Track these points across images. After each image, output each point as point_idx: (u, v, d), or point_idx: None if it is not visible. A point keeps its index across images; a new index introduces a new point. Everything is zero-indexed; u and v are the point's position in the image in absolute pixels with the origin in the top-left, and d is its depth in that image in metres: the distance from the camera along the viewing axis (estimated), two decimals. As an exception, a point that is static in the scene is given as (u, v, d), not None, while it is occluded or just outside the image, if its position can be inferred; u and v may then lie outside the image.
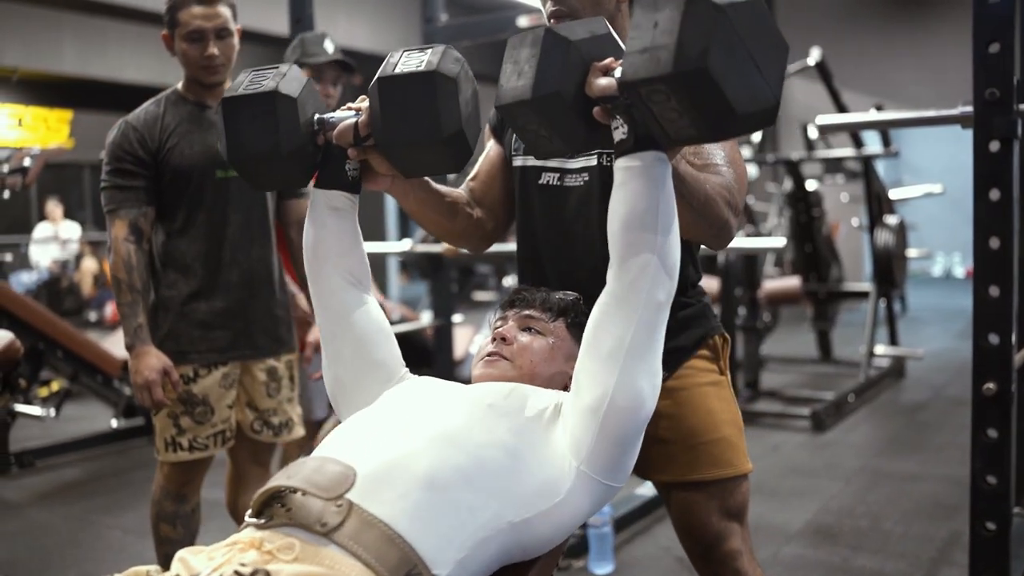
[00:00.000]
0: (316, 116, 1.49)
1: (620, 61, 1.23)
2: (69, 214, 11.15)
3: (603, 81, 1.24)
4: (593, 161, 1.63)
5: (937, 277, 14.99)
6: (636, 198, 1.26)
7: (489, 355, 1.50)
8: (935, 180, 8.12)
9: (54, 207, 10.36)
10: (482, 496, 1.20)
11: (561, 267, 1.67)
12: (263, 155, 1.45)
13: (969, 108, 2.18)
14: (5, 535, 3.51)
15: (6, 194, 6.47)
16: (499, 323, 1.57)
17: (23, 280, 9.31)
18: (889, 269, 6.02)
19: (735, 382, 3.66)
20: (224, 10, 2.37)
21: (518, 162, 1.74)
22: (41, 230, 10.26)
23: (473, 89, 1.46)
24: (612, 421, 1.27)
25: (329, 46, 3.09)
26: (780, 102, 1.15)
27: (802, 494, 3.82)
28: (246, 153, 1.46)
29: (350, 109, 1.48)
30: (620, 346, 1.27)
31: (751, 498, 1.71)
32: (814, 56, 5.94)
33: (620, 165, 1.28)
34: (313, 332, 2.67)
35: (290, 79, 1.46)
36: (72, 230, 10.45)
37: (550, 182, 1.68)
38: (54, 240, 10.10)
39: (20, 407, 4.59)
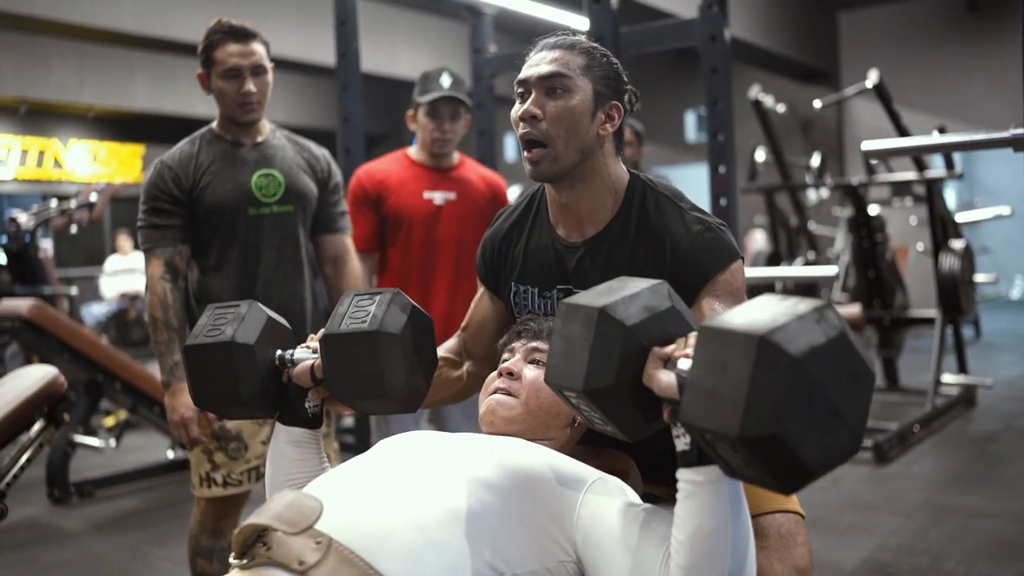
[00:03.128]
0: (278, 354, 1.52)
1: (684, 348, 1.13)
2: (138, 246, 11.44)
3: (664, 379, 1.13)
4: None
5: (1015, 301, 14.50)
6: (704, 516, 1.13)
7: (496, 390, 1.48)
8: (1009, 201, 7.88)
9: (124, 240, 10.64)
10: (473, 543, 1.17)
11: None
12: (224, 400, 1.50)
13: (1021, 130, 2.10)
14: (60, 564, 3.57)
15: (74, 228, 6.69)
16: (506, 356, 1.55)
17: (94, 312, 9.56)
18: (955, 295, 5.82)
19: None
20: (259, 48, 2.40)
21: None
22: (112, 263, 10.54)
23: (422, 328, 1.47)
24: None
25: (446, 81, 3.02)
26: (863, 439, 1.04)
27: (860, 530, 3.69)
28: (209, 398, 1.51)
29: (307, 348, 1.51)
30: None
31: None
32: (872, 78, 5.82)
33: (683, 476, 1.16)
34: None
35: (248, 323, 1.49)
36: (140, 261, 10.72)
37: None
38: (124, 272, 10.36)
39: (81, 438, 4.69)
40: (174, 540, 3.83)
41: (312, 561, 1.09)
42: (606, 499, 1.26)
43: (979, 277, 6.44)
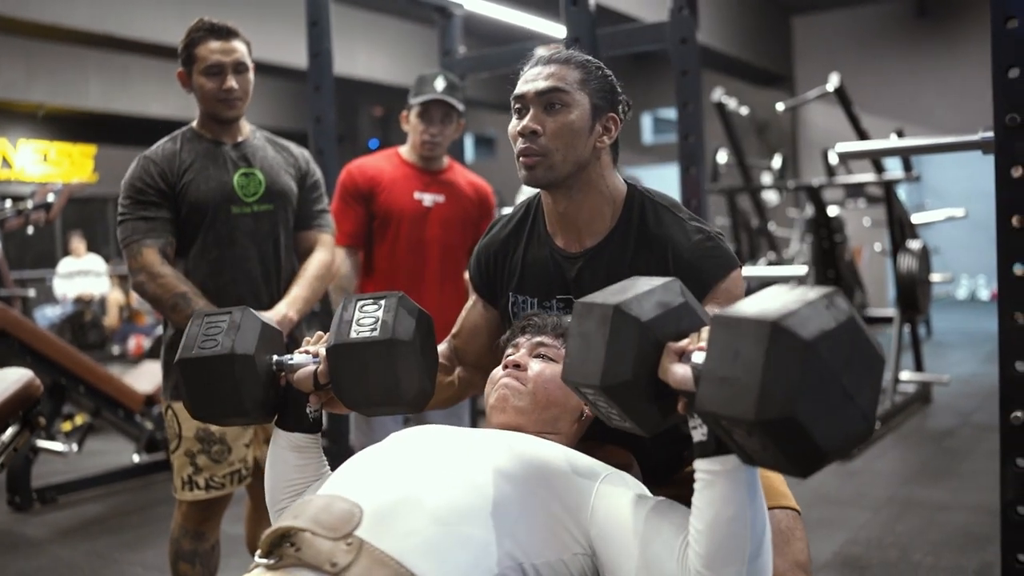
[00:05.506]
0: (275, 359, 1.49)
1: (698, 342, 1.15)
2: (93, 248, 11.26)
3: (679, 371, 1.14)
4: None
5: (962, 300, 14.82)
6: (722, 504, 1.14)
7: (503, 383, 1.49)
8: (957, 203, 8.05)
9: (78, 242, 10.46)
10: (494, 535, 1.18)
11: None
12: (227, 413, 1.47)
13: (990, 134, 2.15)
14: (28, 573, 3.51)
15: (30, 229, 6.56)
16: (511, 350, 1.55)
17: (47, 314, 9.38)
18: (913, 294, 5.95)
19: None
20: (240, 45, 2.39)
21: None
22: (66, 265, 10.35)
23: (426, 329, 1.46)
24: None
25: (440, 84, 3.00)
26: (875, 421, 1.06)
27: (830, 524, 3.76)
28: (211, 411, 1.48)
29: (307, 353, 1.49)
30: None
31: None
32: (833, 82, 5.93)
33: (701, 467, 1.17)
34: None
35: (245, 331, 1.46)
36: (97, 263, 10.55)
37: None
38: (79, 274, 10.18)
39: (42, 443, 4.60)
40: (144, 545, 3.77)
41: (345, 563, 1.09)
42: (620, 490, 1.28)
43: (935, 277, 6.58)
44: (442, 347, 1.78)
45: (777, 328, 0.98)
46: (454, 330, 1.82)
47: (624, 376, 1.16)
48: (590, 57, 1.64)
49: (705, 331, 1.15)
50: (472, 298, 1.82)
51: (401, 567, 1.10)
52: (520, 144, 1.56)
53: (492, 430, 1.41)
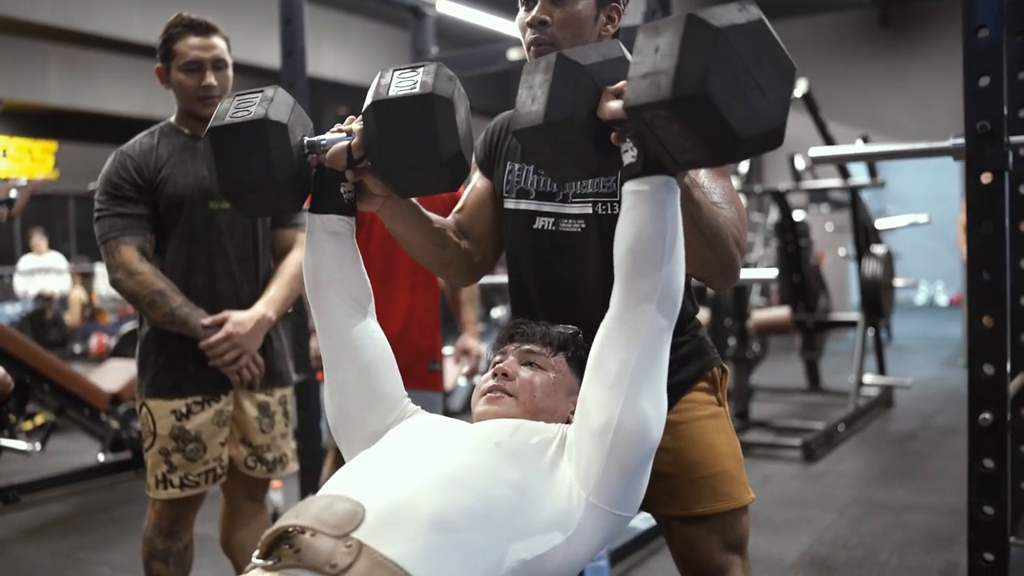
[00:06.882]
0: (306, 139, 1.46)
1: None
2: (54, 245, 11.10)
3: (614, 105, 1.24)
4: (589, 209, 1.62)
5: (921, 305, 15.06)
6: (643, 223, 1.25)
7: (491, 390, 1.49)
8: (918, 209, 8.19)
9: (39, 239, 10.30)
10: (493, 536, 1.19)
11: (556, 315, 1.64)
12: (257, 185, 1.42)
13: (961, 140, 2.20)
14: (-10, 573, 3.46)
15: (-8, 226, 6.43)
16: (499, 358, 1.55)
17: (7, 312, 9.23)
18: (877, 299, 6.04)
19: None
20: (220, 42, 2.38)
21: (510, 204, 1.71)
22: (27, 262, 10.19)
23: (466, 106, 1.45)
24: (619, 447, 1.26)
25: None
26: (786, 123, 1.15)
27: (796, 525, 3.81)
28: (239, 184, 1.42)
29: (340, 131, 1.46)
30: (625, 371, 1.26)
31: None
32: (801, 87, 6.00)
33: (628, 189, 1.27)
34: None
35: (278, 104, 1.43)
36: (58, 261, 10.40)
37: (545, 226, 1.66)
38: (40, 271, 10.03)
39: (5, 441, 4.53)
40: (110, 546, 3.73)
41: (344, 564, 1.09)
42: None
43: (898, 281, 6.69)
44: (448, 220, 1.75)
45: (691, 18, 1.10)
46: (458, 206, 1.80)
47: (564, 112, 1.25)
48: None
49: None
50: (475, 176, 1.81)
51: (400, 569, 1.10)
52: (529, 35, 1.60)
53: (485, 425, 1.41)
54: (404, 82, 1.38)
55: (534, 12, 1.59)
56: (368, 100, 1.39)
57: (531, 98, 1.30)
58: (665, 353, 1.30)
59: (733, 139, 1.10)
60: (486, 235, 1.76)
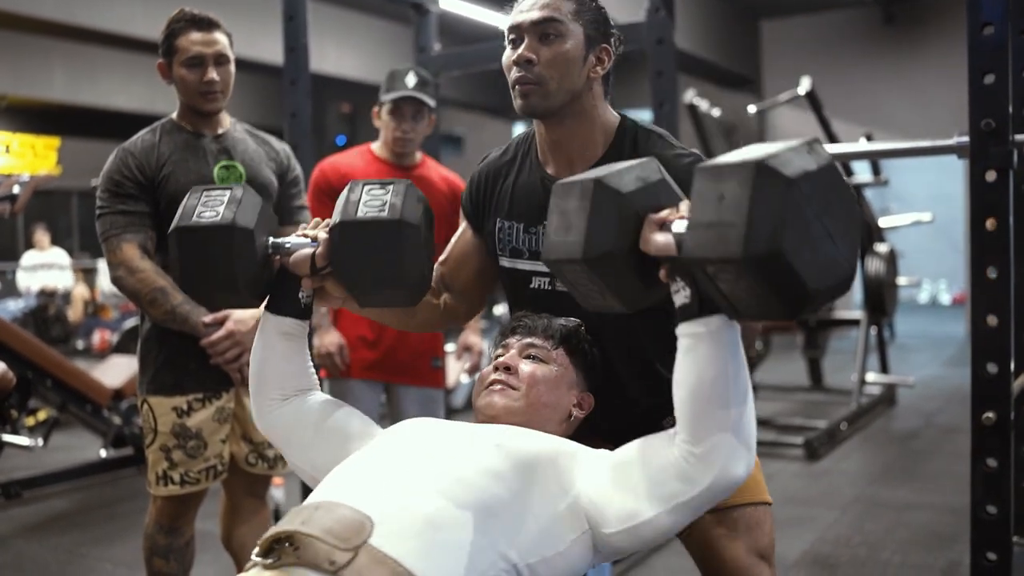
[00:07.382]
0: (271, 241, 1.47)
1: (678, 213, 1.18)
2: (56, 241, 11.10)
3: (660, 239, 1.18)
4: None
5: (924, 304, 15.04)
6: (705, 365, 1.18)
7: (493, 383, 1.49)
8: (921, 208, 8.16)
9: (42, 234, 10.30)
10: (488, 537, 1.19)
11: None
12: (219, 285, 1.43)
13: (965, 138, 2.19)
14: (-8, 568, 3.46)
15: (-6, 222, 6.44)
16: (501, 351, 1.55)
17: (9, 307, 9.23)
18: (880, 297, 6.03)
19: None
20: (222, 37, 2.37)
21: (505, 263, 1.71)
22: (29, 257, 10.19)
23: (429, 221, 1.45)
24: (636, 535, 1.26)
25: (411, 80, 3.00)
26: (856, 271, 1.09)
27: (799, 523, 3.80)
28: (202, 281, 1.44)
29: (305, 236, 1.47)
30: (677, 497, 1.23)
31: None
32: (804, 86, 5.99)
33: (684, 331, 1.21)
34: None
35: (246, 206, 1.43)
36: (61, 257, 10.40)
37: (541, 286, 1.66)
38: (43, 267, 10.03)
39: (7, 437, 4.53)
40: (112, 541, 3.73)
41: (343, 561, 1.09)
42: (601, 451, 1.35)
43: (901, 280, 6.67)
44: None
45: (761, 167, 1.03)
46: (442, 257, 1.80)
47: (606, 247, 1.19)
48: None
49: (685, 204, 1.19)
50: (462, 226, 1.81)
51: (399, 566, 1.10)
52: (515, 73, 1.57)
53: (485, 427, 1.41)
54: (374, 201, 1.39)
55: (520, 50, 1.57)
56: (335, 218, 1.40)
57: (565, 226, 1.23)
58: (726, 496, 1.26)
59: (804, 295, 1.04)
60: (470, 287, 1.77)
